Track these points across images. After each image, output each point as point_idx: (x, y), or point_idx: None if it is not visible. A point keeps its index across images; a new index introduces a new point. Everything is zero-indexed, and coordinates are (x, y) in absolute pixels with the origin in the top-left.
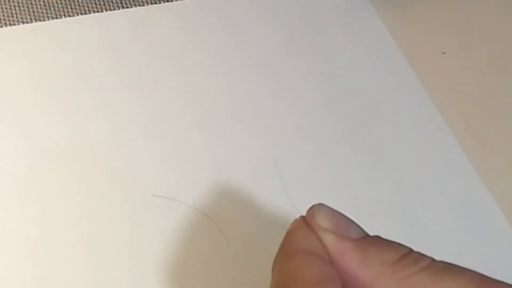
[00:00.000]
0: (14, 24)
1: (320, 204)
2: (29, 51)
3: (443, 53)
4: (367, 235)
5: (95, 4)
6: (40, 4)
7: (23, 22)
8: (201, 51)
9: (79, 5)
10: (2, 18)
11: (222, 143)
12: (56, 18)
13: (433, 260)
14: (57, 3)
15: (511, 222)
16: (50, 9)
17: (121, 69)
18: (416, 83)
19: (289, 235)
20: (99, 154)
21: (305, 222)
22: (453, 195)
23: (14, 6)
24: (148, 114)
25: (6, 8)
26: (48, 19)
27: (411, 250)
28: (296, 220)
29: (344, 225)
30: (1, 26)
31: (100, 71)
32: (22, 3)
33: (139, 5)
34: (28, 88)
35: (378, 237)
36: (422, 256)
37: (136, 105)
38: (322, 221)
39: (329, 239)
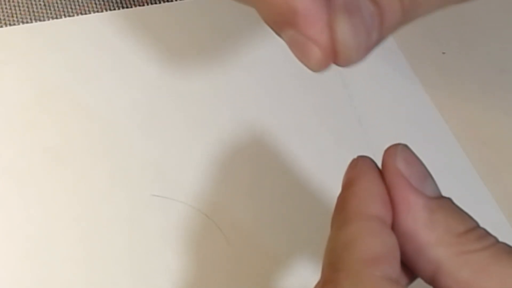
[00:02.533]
0: (14, 24)
1: (405, 146)
2: (29, 51)
3: (443, 53)
4: (440, 195)
5: (95, 4)
6: (40, 4)
7: (23, 22)
8: (201, 51)
9: (79, 5)
10: (2, 18)
11: (222, 143)
12: (56, 18)
13: (497, 240)
14: (57, 3)
15: (511, 222)
16: (50, 9)
17: (120, 69)
18: (416, 83)
19: (354, 180)
20: (99, 154)
21: (374, 163)
22: (453, 195)
23: (14, 6)
24: (148, 114)
25: (6, 8)
26: (48, 19)
27: (478, 225)
28: (364, 157)
29: (421, 177)
30: (1, 26)
31: (100, 71)
32: (22, 3)
33: (139, 5)
34: (28, 88)
35: (449, 200)
36: (487, 234)
37: (136, 105)
38: (401, 165)
39: (400, 189)
